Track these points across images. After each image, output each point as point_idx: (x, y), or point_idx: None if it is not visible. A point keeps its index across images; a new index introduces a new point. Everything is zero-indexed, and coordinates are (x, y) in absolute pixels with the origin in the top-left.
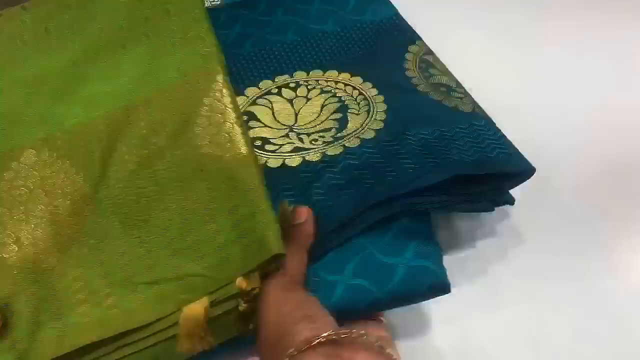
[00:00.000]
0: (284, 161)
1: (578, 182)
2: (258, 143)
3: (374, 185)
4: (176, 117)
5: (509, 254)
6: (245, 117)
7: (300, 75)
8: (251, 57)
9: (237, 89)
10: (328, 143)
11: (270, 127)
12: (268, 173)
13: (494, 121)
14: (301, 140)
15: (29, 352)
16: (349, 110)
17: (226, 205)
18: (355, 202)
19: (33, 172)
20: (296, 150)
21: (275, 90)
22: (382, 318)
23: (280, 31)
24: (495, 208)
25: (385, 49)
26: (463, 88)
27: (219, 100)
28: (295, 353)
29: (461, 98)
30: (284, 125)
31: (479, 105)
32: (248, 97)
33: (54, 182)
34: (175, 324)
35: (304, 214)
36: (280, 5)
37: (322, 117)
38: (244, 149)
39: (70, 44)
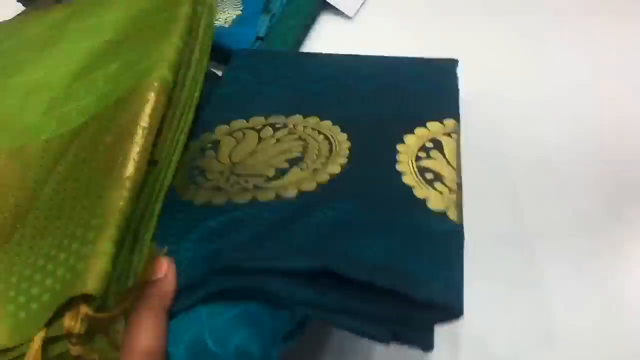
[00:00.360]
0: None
1: (592, 186)
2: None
3: (240, 247)
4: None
5: (519, 258)
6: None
7: (293, 118)
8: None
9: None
10: (246, 190)
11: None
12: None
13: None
14: (227, 180)
15: None
16: (306, 156)
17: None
18: (209, 258)
19: None
20: (216, 189)
21: (260, 127)
22: None
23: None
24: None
25: (395, 113)
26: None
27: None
28: None
29: (440, 192)
30: (227, 162)
31: (460, 205)
32: (230, 126)
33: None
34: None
35: (164, 267)
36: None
37: (271, 162)
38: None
39: (74, 55)
